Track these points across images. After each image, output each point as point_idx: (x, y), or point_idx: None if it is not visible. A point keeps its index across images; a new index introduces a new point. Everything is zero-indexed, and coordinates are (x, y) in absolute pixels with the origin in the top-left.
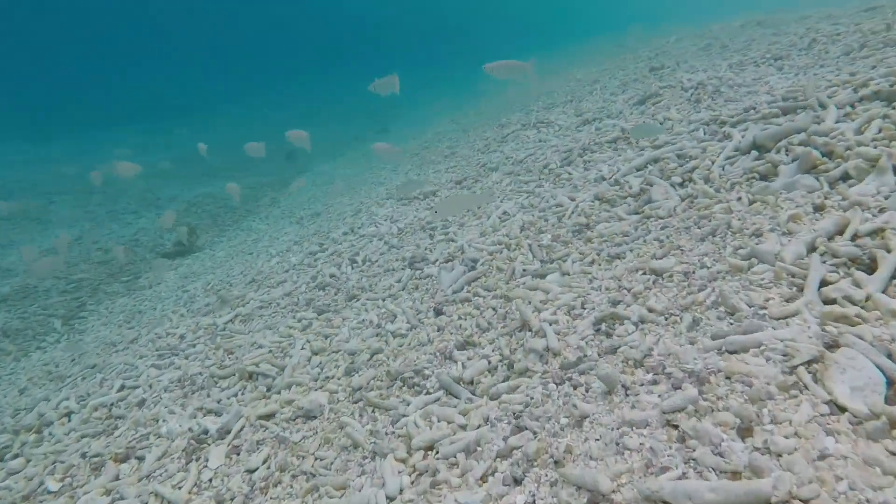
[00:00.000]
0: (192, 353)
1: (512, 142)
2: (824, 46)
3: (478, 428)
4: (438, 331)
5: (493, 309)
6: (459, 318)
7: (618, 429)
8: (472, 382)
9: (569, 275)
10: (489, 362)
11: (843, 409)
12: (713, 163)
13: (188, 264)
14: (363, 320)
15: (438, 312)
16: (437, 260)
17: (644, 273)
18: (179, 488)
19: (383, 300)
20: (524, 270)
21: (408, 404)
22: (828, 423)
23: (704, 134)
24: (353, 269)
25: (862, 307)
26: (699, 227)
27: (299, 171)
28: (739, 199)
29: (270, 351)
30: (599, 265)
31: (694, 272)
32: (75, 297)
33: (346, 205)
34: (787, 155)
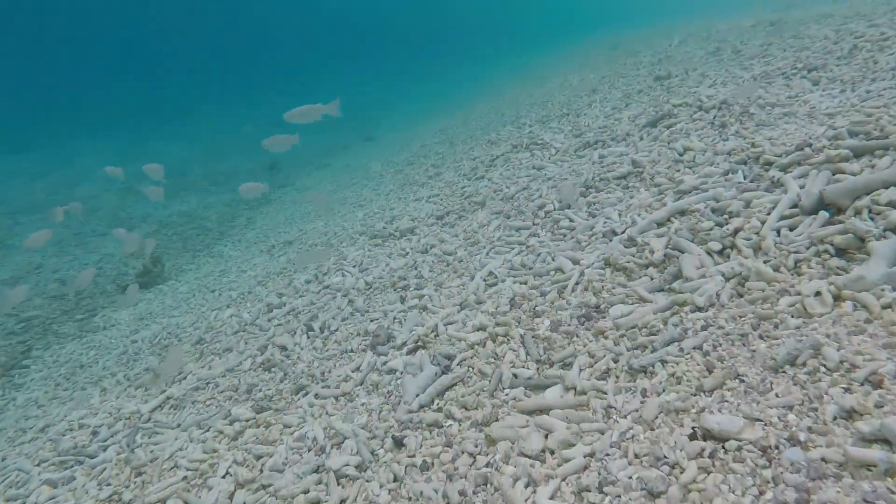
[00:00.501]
0: (97, 465)
1: (502, 166)
2: (871, 55)
3: None
4: (395, 481)
5: (470, 454)
6: (424, 458)
7: None
8: None
9: (576, 391)
10: None
11: None
12: (763, 224)
13: (148, 300)
14: (305, 436)
15: (398, 443)
16: (404, 344)
17: (693, 433)
18: None
19: (336, 399)
20: (514, 377)
21: None
22: None
23: (744, 178)
24: (308, 338)
25: None
26: (763, 340)
27: (280, 185)
28: (818, 294)
29: (185, 478)
30: (618, 380)
31: (777, 448)
32: (22, 339)
33: (320, 233)
34: (872, 220)
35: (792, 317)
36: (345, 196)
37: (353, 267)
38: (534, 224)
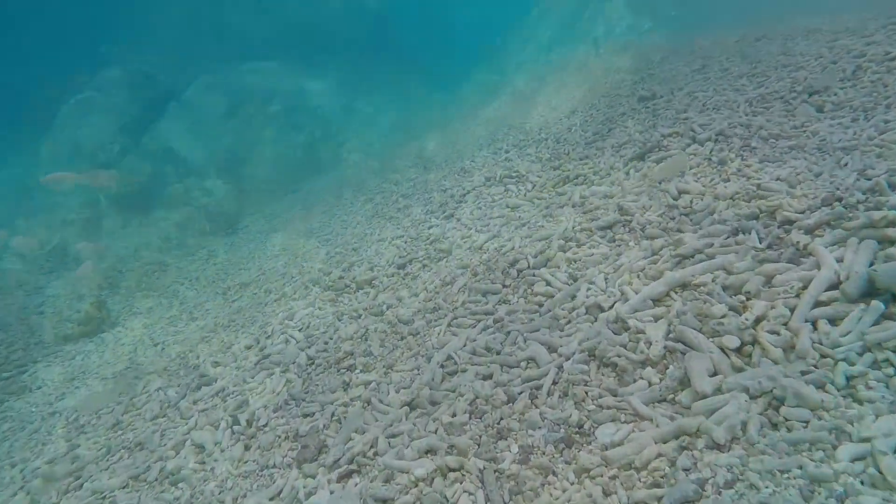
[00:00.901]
0: None
1: (473, 202)
2: (878, 76)
3: None
4: None
5: None
6: None
7: None
8: None
9: None
10: None
11: None
12: (792, 312)
13: (86, 352)
14: None
15: None
16: (336, 462)
17: None
18: None
19: None
20: None
21: None
22: None
23: (759, 240)
24: (231, 435)
25: None
26: None
27: (250, 214)
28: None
29: None
30: None
31: None
32: None
33: (279, 274)
34: None
35: (862, 483)
36: (311, 227)
37: (300, 331)
38: (504, 286)
